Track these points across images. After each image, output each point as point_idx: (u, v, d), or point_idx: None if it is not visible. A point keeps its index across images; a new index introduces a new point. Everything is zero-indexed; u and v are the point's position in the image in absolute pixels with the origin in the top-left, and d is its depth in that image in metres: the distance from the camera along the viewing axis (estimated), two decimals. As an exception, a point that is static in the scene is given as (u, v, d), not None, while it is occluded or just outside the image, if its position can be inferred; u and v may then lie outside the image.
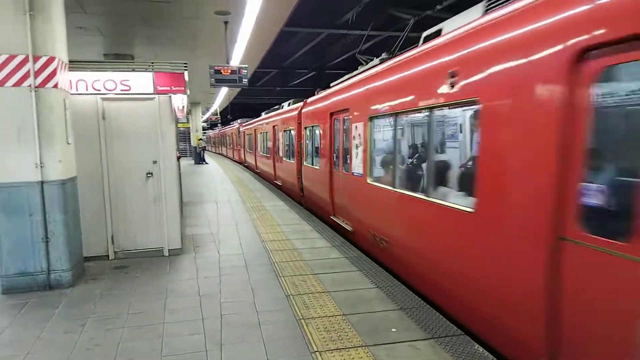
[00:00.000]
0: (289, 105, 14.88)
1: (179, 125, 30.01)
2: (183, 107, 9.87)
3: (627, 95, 2.83)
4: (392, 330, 4.11)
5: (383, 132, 6.75)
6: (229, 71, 9.92)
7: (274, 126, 16.09)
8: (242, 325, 4.23)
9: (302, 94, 13.66)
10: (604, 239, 2.64)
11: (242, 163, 28.38)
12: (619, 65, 2.67)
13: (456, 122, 5.07)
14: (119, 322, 4.36)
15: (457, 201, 4.40)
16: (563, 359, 3.02)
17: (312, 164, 10.74)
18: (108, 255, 6.55)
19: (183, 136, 36.63)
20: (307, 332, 4.06)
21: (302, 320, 4.30)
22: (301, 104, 12.48)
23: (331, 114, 8.97)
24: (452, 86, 4.31)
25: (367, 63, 7.95)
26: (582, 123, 2.81)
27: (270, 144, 16.92)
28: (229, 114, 35.50)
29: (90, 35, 10.09)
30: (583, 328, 2.82)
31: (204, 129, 41.29)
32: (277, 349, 3.79)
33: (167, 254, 6.71)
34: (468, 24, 4.38)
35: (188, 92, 6.93)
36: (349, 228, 7.80)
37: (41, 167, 5.19)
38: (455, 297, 4.44)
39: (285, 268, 5.93)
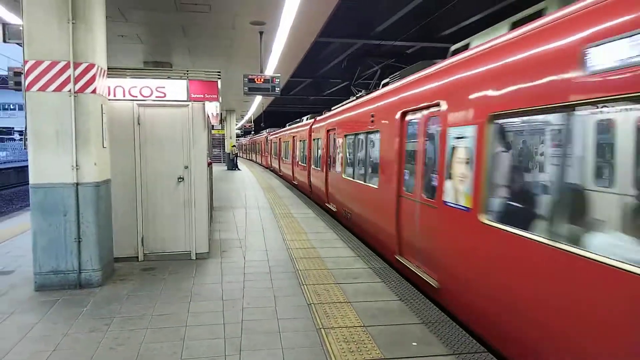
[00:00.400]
0: (306, 119, 17.77)
1: (215, 131, 30.72)
2: (217, 114, 10.10)
3: None
4: (413, 344, 4.04)
5: (349, 145, 10.09)
6: (262, 80, 10.08)
7: (293, 137, 19.44)
8: (262, 332, 4.25)
9: (336, 102, 14.00)
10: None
11: (268, 167, 31.21)
12: None
13: (374, 140, 8.30)
14: (142, 323, 4.46)
15: (373, 182, 7.98)
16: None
17: (317, 167, 13.97)
18: (137, 257, 6.72)
19: (218, 142, 37.46)
20: (327, 342, 4.04)
21: (322, 330, 4.28)
22: (312, 120, 15.66)
23: (327, 131, 12.40)
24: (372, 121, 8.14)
25: (357, 93, 10.90)
26: None
27: (290, 151, 20.12)
28: (262, 122, 35.97)
29: (130, 43, 10.50)
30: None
31: (237, 135, 41.96)
32: (295, 357, 3.78)
33: (195, 258, 6.83)
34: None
35: (220, 99, 7.08)
36: (333, 209, 11.43)
37: (77, 169, 5.39)
38: (370, 231, 8.22)
39: (309, 276, 5.94)
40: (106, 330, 4.29)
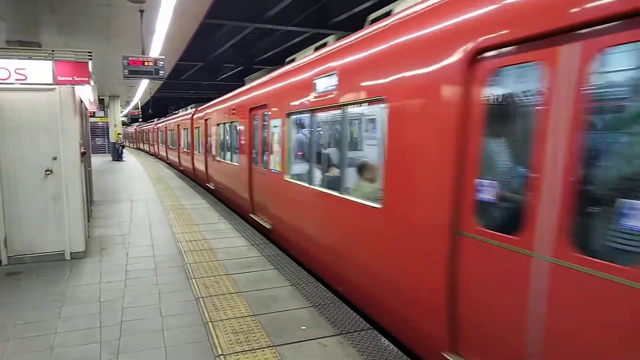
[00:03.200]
0: (190, 108, 19.30)
1: (97, 119, 28.26)
2: (94, 99, 9.24)
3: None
4: (302, 328, 4.07)
5: (220, 132, 11.95)
6: (145, 62, 9.41)
7: (178, 125, 20.90)
8: (144, 332, 3.99)
9: (231, 87, 13.64)
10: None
11: (156, 155, 32.60)
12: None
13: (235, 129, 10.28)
14: (3, 334, 3.94)
15: (236, 161, 10.09)
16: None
17: (199, 152, 15.51)
18: (0, 261, 5.95)
19: (101, 131, 34.56)
20: (214, 335, 3.91)
21: (210, 323, 4.13)
22: (194, 110, 17.32)
23: (205, 120, 14.16)
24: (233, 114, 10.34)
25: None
26: None
27: (176, 139, 21.67)
28: (150, 109, 33.88)
29: (-12, 19, 9.15)
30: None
31: (124, 123, 39.13)
32: (179, 355, 3.61)
33: (69, 258, 6.21)
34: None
35: (93, 83, 6.46)
36: (212, 187, 13.08)
37: None
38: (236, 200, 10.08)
39: (198, 269, 5.71)
40: (-46, 348, 3.72)
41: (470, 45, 2.90)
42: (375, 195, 4.17)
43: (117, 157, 26.47)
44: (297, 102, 6.15)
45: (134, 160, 27.45)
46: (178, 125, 20.65)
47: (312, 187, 5.68)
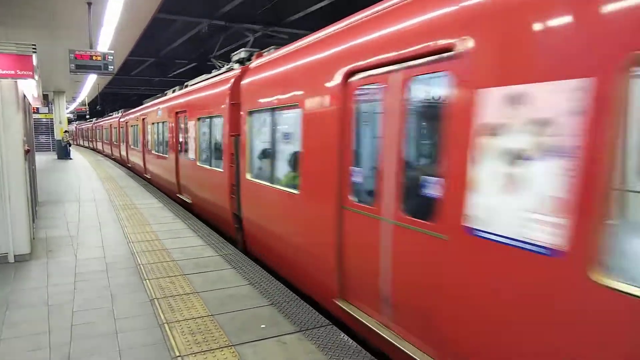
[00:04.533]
0: (122, 112, 23.81)
1: (40, 115, 26.84)
2: (38, 94, 8.80)
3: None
4: (262, 326, 4.06)
5: (152, 132, 14.38)
6: (93, 57, 9.06)
7: (110, 124, 26.54)
8: (96, 336, 3.85)
9: (181, 84, 13.41)
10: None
11: (97, 151, 35.87)
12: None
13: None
14: (-61, 344, 3.70)
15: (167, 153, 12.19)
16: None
17: (135, 146, 18.15)
18: None
19: (45, 128, 32.87)
20: (171, 336, 3.83)
21: (166, 325, 4.05)
22: (121, 114, 22.79)
23: (143, 120, 16.03)
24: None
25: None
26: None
27: (108, 136, 27.55)
28: (98, 105, 32.49)
29: None
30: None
31: (69, 120, 37.37)
32: (135, 358, 3.51)
33: (13, 260, 5.89)
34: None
35: (37, 77, 6.14)
36: (147, 175, 15.70)
37: None
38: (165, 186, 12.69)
39: (152, 270, 5.56)
40: None
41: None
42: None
43: (64, 155, 25.26)
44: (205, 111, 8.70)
45: (81, 158, 26.28)
46: (111, 125, 26.61)
47: (211, 167, 8.25)
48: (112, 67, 9.23)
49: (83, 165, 21.85)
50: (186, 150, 9.92)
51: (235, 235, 7.25)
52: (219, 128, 7.84)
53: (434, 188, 3.06)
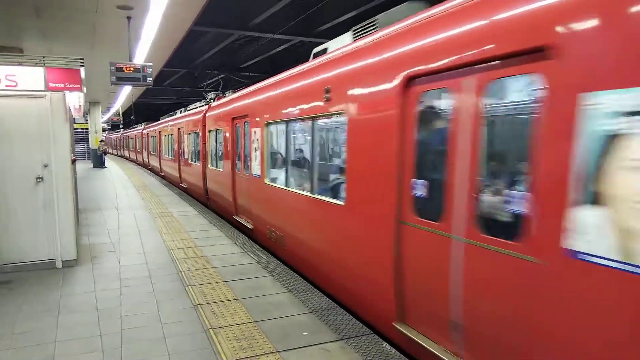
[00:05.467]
0: (145, 124, 28.64)
1: (77, 125, 27.75)
2: (79, 105, 9.14)
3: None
4: (304, 333, 4.11)
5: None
6: (132, 69, 9.36)
7: (135, 135, 31.29)
8: (145, 340, 3.97)
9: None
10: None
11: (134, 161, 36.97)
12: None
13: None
14: (2, 345, 3.88)
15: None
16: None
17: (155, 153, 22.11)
18: (-11, 270, 5.84)
19: (81, 137, 33.93)
20: (216, 342, 3.92)
21: (211, 330, 4.14)
22: (144, 125, 27.09)
23: (158, 133, 20.19)
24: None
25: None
26: None
27: (139, 144, 30.52)
28: (132, 115, 33.44)
29: (-34, 22, 8.99)
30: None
31: (104, 129, 38.52)
32: (183, 362, 3.61)
33: (61, 266, 6.13)
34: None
35: (84, 90, 6.41)
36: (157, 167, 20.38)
37: None
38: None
39: (194, 277, 5.69)
40: (-49, 360, 3.65)
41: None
42: None
43: (99, 163, 26.06)
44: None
45: (116, 167, 27.03)
46: (135, 135, 31.44)
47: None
48: (150, 78, 9.51)
49: (118, 173, 22.47)
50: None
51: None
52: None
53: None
